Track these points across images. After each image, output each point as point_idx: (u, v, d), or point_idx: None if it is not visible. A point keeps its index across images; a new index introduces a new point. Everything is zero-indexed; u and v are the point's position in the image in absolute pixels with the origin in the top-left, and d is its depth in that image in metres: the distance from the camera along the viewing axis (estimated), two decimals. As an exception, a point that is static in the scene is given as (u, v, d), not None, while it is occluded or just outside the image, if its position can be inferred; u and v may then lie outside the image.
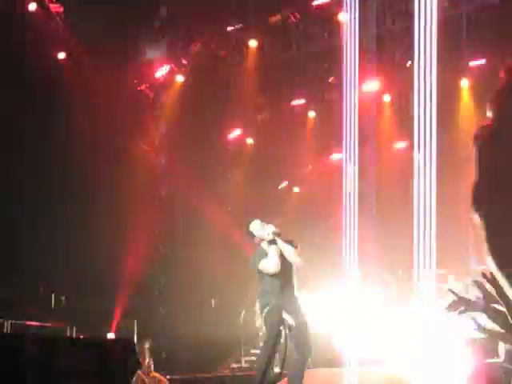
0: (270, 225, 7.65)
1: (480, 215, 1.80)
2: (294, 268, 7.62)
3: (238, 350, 14.13)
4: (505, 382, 6.17)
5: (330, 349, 12.07)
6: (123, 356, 7.74)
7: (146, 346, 10.32)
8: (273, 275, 7.44)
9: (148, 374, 10.23)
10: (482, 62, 14.43)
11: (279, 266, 7.44)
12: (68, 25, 14.11)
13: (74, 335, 10.68)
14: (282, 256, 7.54)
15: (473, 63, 14.55)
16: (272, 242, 7.49)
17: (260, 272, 7.50)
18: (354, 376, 9.46)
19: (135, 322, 11.49)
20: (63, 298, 14.46)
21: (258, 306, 7.61)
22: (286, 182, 19.16)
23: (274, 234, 7.53)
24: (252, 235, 7.69)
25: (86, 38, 14.11)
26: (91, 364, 7.57)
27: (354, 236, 15.25)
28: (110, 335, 13.77)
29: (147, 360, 10.25)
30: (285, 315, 7.31)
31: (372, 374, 9.87)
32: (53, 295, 14.31)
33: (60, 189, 13.57)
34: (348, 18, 14.27)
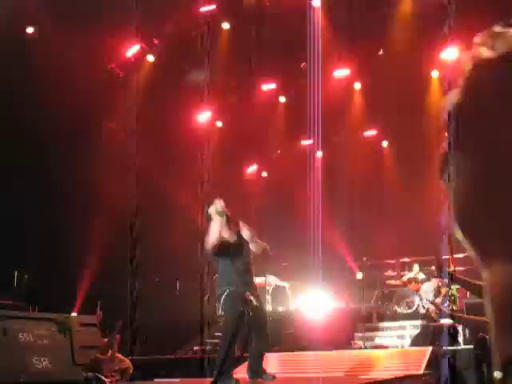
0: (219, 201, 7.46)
1: (446, 179, 1.94)
2: (252, 253, 7.54)
3: (202, 333, 14.14)
4: (476, 364, 6.37)
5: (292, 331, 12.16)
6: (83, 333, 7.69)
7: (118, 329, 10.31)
8: (234, 257, 7.30)
9: (108, 354, 10.18)
10: (454, 52, 14.53)
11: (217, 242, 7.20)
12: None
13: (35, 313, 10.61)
14: (242, 239, 7.48)
15: (444, 54, 14.64)
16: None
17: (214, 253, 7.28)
18: (316, 357, 9.55)
19: (98, 302, 11.41)
20: (26, 277, 14.32)
21: (218, 290, 7.41)
22: (255, 166, 19.17)
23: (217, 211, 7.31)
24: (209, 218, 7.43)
25: (56, 13, 13.88)
26: (49, 340, 7.51)
27: (319, 224, 15.32)
28: (73, 315, 13.68)
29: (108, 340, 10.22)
30: (249, 296, 7.24)
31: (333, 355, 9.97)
32: (15, 273, 14.16)
33: (26, 165, 13.39)
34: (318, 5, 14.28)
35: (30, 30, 14.03)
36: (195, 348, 14.29)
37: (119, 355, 10.75)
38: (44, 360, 7.78)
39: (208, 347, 14.07)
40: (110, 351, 10.23)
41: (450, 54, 14.43)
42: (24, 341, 7.84)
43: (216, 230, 7.22)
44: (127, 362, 10.78)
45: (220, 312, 7.35)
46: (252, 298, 7.28)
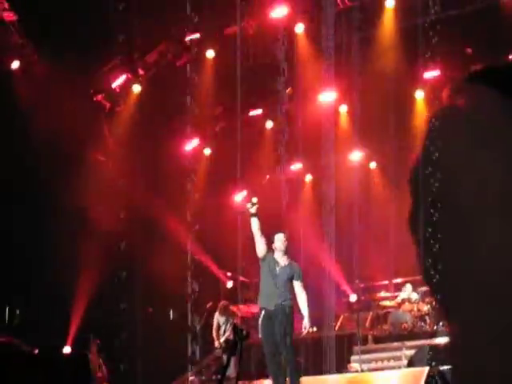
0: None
1: (414, 236, 2.03)
2: None
3: (197, 363, 14.06)
4: None
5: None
6: (76, 371, 7.63)
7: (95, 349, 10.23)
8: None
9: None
10: (436, 73, 14.67)
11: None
12: (22, 34, 13.91)
13: (27, 350, 10.49)
14: None
15: (427, 75, 14.77)
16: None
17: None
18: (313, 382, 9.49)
19: (91, 335, 11.32)
20: (18, 312, 14.19)
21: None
22: (245, 192, 19.17)
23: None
24: None
25: (41, 48, 13.92)
26: (42, 379, 7.44)
27: (310, 247, 15.31)
28: (66, 349, 13.55)
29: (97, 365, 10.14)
30: None
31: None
32: (7, 309, 14.04)
33: (14, 199, 13.34)
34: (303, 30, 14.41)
35: (15, 64, 14.05)
36: (191, 378, 14.19)
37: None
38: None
39: (203, 377, 13.97)
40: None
41: (433, 74, 14.59)
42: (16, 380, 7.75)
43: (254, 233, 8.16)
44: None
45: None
46: None
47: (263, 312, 8.27)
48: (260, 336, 8.15)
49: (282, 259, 8.50)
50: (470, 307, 1.85)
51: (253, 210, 8.07)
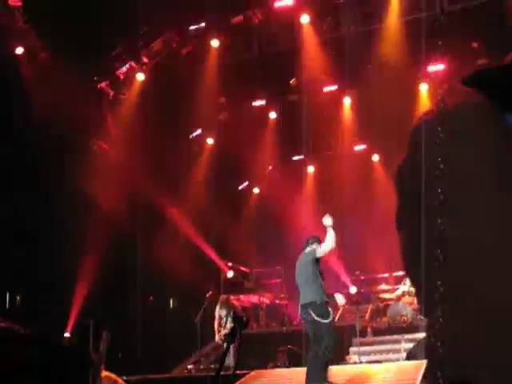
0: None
1: (400, 234, 2.23)
2: None
3: (195, 351, 14.10)
4: None
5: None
6: (74, 355, 7.65)
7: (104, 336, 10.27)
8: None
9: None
10: (441, 66, 14.64)
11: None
12: (27, 19, 13.87)
13: (27, 334, 10.52)
14: None
15: (432, 68, 14.73)
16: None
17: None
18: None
19: (91, 323, 11.33)
20: (18, 298, 14.24)
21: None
22: (247, 183, 19.19)
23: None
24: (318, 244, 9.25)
25: (45, 34, 13.89)
26: (41, 361, 7.47)
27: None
28: (66, 335, 13.61)
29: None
30: None
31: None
32: (7, 294, 14.08)
33: (15, 184, 13.34)
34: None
35: (19, 50, 14.03)
36: (189, 366, 14.22)
37: (113, 375, 10.68)
38: None
39: (202, 366, 14.01)
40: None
41: (438, 66, 14.55)
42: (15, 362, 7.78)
43: (332, 240, 8.92)
44: (120, 382, 10.71)
45: (317, 315, 8.59)
46: None
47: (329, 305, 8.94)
48: (331, 326, 8.78)
49: None
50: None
51: (330, 222, 9.04)
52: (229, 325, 12.26)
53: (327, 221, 9.04)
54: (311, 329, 8.85)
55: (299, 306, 9.02)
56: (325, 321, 8.64)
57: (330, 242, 9.00)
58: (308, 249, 9.28)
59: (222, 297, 13.43)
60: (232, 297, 13.94)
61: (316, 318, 8.61)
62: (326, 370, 8.58)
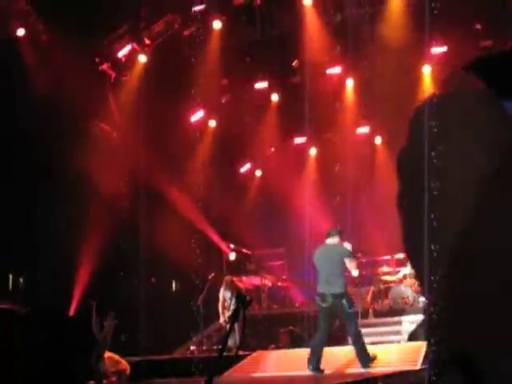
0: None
1: (400, 212, 2.32)
2: None
3: (198, 333, 14.16)
4: None
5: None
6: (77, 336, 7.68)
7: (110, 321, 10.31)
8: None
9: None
10: (444, 49, 14.57)
11: None
12: (29, 1, 13.81)
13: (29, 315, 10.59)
14: None
15: (435, 50, 14.66)
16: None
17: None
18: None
19: (94, 303, 11.39)
20: (21, 280, 14.30)
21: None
22: (249, 165, 19.17)
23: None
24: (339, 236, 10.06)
25: (47, 15, 13.83)
26: (43, 342, 7.52)
27: (313, 220, 15.33)
28: (69, 316, 13.66)
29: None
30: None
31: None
32: (10, 276, 14.14)
33: (19, 168, 13.35)
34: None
35: (20, 31, 13.97)
36: (192, 348, 14.30)
37: (116, 356, 10.74)
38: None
39: (204, 347, 14.08)
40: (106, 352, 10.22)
41: (441, 48, 14.48)
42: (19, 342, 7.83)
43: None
44: (124, 364, 10.77)
45: (348, 306, 9.50)
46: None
47: None
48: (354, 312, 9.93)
49: None
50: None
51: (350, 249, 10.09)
52: (233, 307, 12.30)
53: (353, 267, 10.19)
54: (334, 316, 10.11)
55: (324, 293, 9.68)
56: (352, 310, 9.73)
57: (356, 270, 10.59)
58: (331, 240, 10.01)
59: (227, 278, 13.46)
60: (235, 279, 13.99)
61: (349, 310, 9.58)
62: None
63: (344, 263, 9.84)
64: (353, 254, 10.18)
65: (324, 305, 9.67)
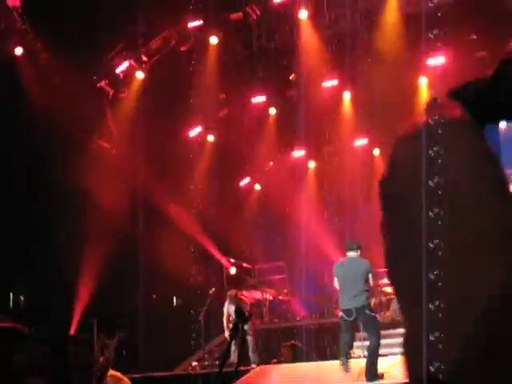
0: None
1: (384, 241, 2.39)
2: None
3: (199, 348, 14.12)
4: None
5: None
6: (79, 354, 7.65)
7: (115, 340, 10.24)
8: None
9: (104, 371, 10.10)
10: (440, 60, 14.61)
11: None
12: (25, 20, 13.87)
13: (31, 334, 10.55)
14: None
15: (432, 61, 14.71)
16: None
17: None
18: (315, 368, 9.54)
19: (95, 321, 11.35)
20: (21, 298, 14.26)
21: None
22: (248, 179, 19.18)
23: None
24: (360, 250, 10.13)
25: (44, 34, 13.88)
26: (46, 361, 7.48)
27: (312, 233, 15.32)
28: (70, 334, 13.61)
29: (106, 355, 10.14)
30: None
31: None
32: (11, 294, 14.11)
33: (18, 187, 13.35)
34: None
35: (18, 50, 14.02)
36: (194, 363, 14.25)
37: (118, 374, 10.67)
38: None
39: (206, 362, 14.03)
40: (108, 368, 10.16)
41: (437, 60, 14.53)
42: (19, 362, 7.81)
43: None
44: (126, 381, 10.70)
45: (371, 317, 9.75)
46: None
47: None
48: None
49: None
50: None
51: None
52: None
53: (372, 281, 10.27)
54: (357, 326, 10.56)
55: (350, 309, 9.81)
56: (375, 321, 10.02)
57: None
58: (353, 254, 10.07)
59: (231, 292, 13.38)
60: (239, 293, 13.92)
61: (372, 320, 9.87)
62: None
63: (368, 278, 9.97)
64: None
65: (350, 319, 9.84)
